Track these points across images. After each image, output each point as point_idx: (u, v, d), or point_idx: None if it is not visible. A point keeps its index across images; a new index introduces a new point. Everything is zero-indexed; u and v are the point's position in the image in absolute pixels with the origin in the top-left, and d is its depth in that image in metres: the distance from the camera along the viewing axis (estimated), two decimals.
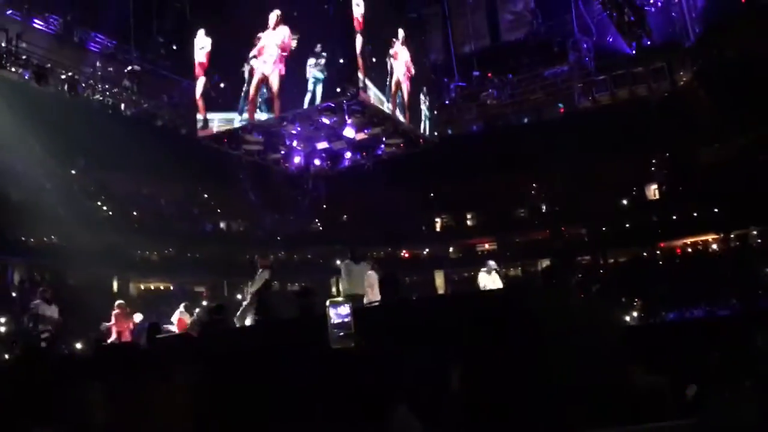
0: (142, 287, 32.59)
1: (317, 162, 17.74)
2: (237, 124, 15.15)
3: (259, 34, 14.76)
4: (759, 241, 29.57)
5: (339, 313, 6.21)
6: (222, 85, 15.28)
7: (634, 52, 20.39)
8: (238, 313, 11.67)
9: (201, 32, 15.63)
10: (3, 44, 17.16)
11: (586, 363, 6.36)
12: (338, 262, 13.95)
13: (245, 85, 14.85)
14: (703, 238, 31.41)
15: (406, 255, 38.06)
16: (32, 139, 25.14)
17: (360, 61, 13.77)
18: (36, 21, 18.70)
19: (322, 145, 16.89)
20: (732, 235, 30.07)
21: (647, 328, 18.05)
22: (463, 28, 21.05)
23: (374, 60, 14.55)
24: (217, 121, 15.30)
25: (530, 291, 9.62)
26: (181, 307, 14.14)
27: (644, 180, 34.37)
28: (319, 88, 14.03)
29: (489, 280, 12.23)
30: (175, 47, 19.98)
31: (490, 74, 20.95)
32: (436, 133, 17.56)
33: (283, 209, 35.64)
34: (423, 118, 16.88)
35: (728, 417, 4.61)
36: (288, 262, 35.60)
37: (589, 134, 28.40)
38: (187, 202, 36.24)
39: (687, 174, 31.50)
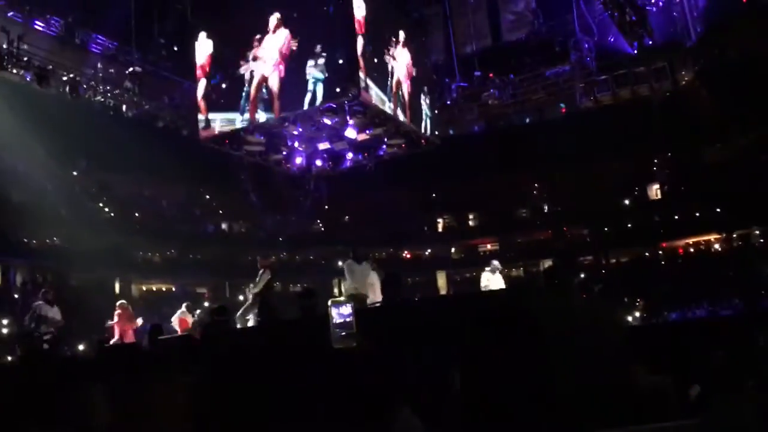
0: (144, 288, 32.59)
1: (319, 163, 17.73)
2: (239, 125, 15.15)
3: (259, 37, 14.78)
4: (761, 240, 29.54)
5: (341, 313, 6.20)
6: (224, 86, 15.30)
7: (635, 51, 20.43)
8: (239, 313, 11.71)
9: (203, 35, 15.65)
10: (4, 46, 17.21)
11: (588, 363, 6.34)
12: (340, 262, 13.92)
13: (246, 86, 14.87)
14: (706, 237, 31.38)
15: (408, 255, 38.05)
16: (34, 140, 25.12)
17: (362, 61, 13.77)
18: (37, 23, 18.78)
19: (323, 145, 16.89)
20: (734, 235, 30.04)
21: (650, 328, 18.04)
22: (464, 29, 21.06)
23: (375, 61, 14.55)
24: (219, 122, 15.32)
25: (532, 291, 9.59)
26: (183, 307, 14.15)
27: (646, 180, 34.33)
28: (320, 89, 14.03)
29: (493, 279, 12.21)
30: (176, 49, 20.03)
31: (491, 74, 20.97)
32: (437, 132, 17.56)
33: (285, 210, 35.65)
34: (424, 117, 16.88)
35: (731, 417, 4.59)
36: (290, 263, 35.57)
37: (591, 134, 28.37)
38: (188, 204, 36.24)
39: (689, 174, 31.47)
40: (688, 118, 27.83)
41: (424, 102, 17.10)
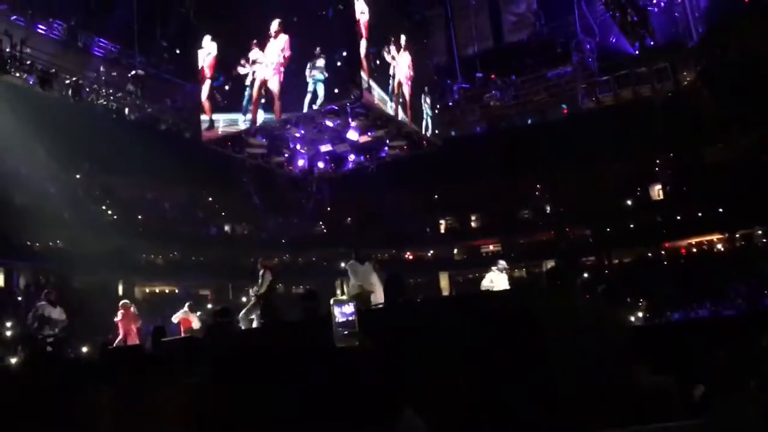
0: (147, 291, 32.66)
1: (321, 165, 17.75)
2: (241, 126, 15.21)
3: (261, 40, 14.86)
4: (764, 240, 29.51)
5: (343, 312, 6.23)
6: (226, 87, 15.37)
7: (637, 52, 20.37)
8: (241, 314, 11.75)
9: (207, 37, 15.76)
10: (8, 50, 17.22)
11: (591, 363, 6.35)
12: (343, 264, 13.95)
13: (248, 88, 14.95)
14: (708, 238, 31.36)
15: (411, 257, 38.08)
16: (37, 143, 25.25)
17: (365, 63, 13.84)
18: (40, 26, 18.81)
19: (325, 147, 16.91)
20: (737, 235, 30.02)
21: (652, 329, 18.03)
22: (466, 30, 21.03)
23: (377, 62, 14.60)
24: (223, 123, 15.40)
25: (535, 292, 9.61)
26: (185, 307, 14.17)
27: (648, 180, 34.34)
28: (321, 90, 14.09)
29: (497, 279, 12.19)
30: (178, 52, 20.06)
31: (493, 76, 20.93)
32: (437, 132, 17.57)
33: (287, 212, 35.70)
34: (425, 117, 16.92)
35: (733, 417, 4.61)
36: (292, 264, 35.63)
37: (593, 135, 28.40)
38: (191, 206, 36.32)
39: (691, 174, 31.46)
40: (690, 118, 27.83)
41: (425, 102, 17.13)
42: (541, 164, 33.13)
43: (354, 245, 15.64)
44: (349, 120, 14.97)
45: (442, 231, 38.94)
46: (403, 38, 16.09)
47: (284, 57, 14.52)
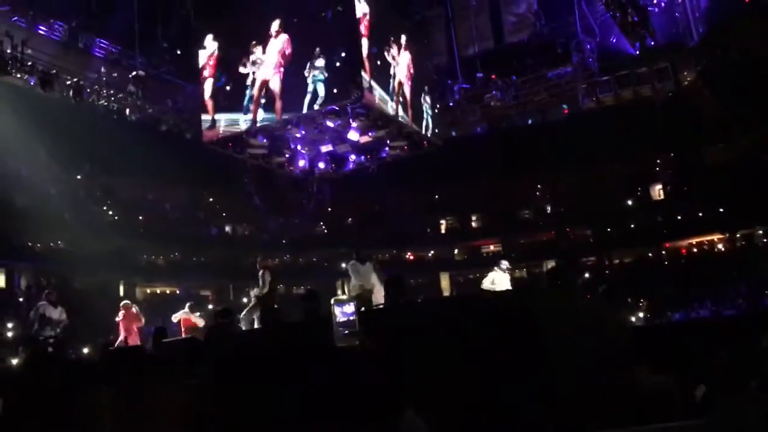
0: (148, 291, 32.67)
1: (322, 165, 17.79)
2: (242, 126, 15.25)
3: (262, 41, 14.90)
4: (765, 240, 29.50)
5: (344, 312, 6.24)
6: (227, 88, 15.41)
7: (637, 52, 20.37)
8: (242, 314, 11.76)
9: (209, 37, 15.79)
10: (8, 51, 17.24)
11: (591, 364, 6.35)
12: (344, 264, 13.98)
13: (249, 87, 14.99)
14: (709, 238, 31.34)
15: (411, 257, 38.07)
16: (38, 144, 25.28)
17: (367, 63, 13.87)
18: (41, 27, 18.83)
19: (326, 148, 16.95)
20: (737, 235, 30.00)
21: (653, 329, 18.03)
22: (466, 31, 21.04)
23: (379, 63, 14.62)
24: (224, 122, 15.44)
25: (535, 292, 9.62)
26: (186, 308, 14.18)
27: (649, 180, 34.33)
28: (321, 90, 14.13)
29: (499, 279, 12.20)
30: (179, 52, 20.08)
31: (493, 76, 20.95)
32: (436, 130, 17.60)
33: (288, 212, 35.72)
34: (425, 116, 16.95)
35: (734, 418, 4.61)
36: (293, 265, 35.64)
37: (593, 135, 28.39)
38: (192, 207, 36.35)
39: (692, 174, 31.45)
40: (691, 118, 27.82)
41: (425, 102, 17.16)
42: (542, 164, 33.14)
43: (355, 245, 15.68)
44: (350, 120, 15.01)
45: (443, 231, 38.92)
46: (403, 38, 16.12)
47: (285, 55, 14.56)
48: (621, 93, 22.65)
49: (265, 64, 14.81)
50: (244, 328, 11.25)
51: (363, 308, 8.15)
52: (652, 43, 19.92)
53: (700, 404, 6.81)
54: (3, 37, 17.33)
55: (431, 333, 6.15)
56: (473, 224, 38.48)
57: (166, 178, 32.17)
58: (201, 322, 13.89)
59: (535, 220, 36.54)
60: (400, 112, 15.53)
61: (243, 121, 15.18)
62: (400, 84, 15.69)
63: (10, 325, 22.31)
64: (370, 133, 16.07)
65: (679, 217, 31.67)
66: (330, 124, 15.19)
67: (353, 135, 15.76)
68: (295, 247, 35.84)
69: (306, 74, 14.23)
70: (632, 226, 33.11)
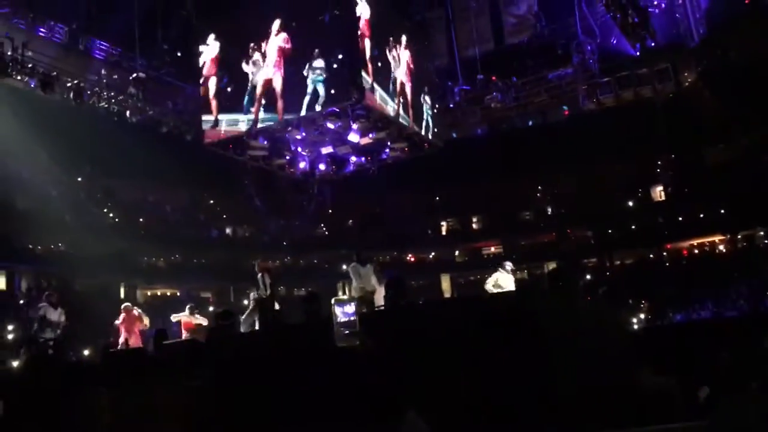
0: (149, 293, 32.65)
1: (322, 167, 17.79)
2: (242, 126, 15.26)
3: (262, 41, 14.93)
4: (766, 241, 29.46)
5: (345, 312, 6.24)
6: (229, 89, 15.43)
7: (638, 53, 20.39)
8: (243, 316, 11.75)
9: (211, 36, 15.83)
10: (9, 53, 17.25)
11: (593, 365, 6.35)
12: (344, 266, 13.97)
13: (249, 87, 15.02)
14: (710, 239, 31.29)
15: (412, 259, 38.04)
16: (38, 146, 25.27)
17: (370, 65, 13.90)
18: (41, 30, 18.85)
19: (326, 149, 16.96)
20: (738, 236, 29.97)
21: (655, 330, 18.01)
22: (466, 32, 21.07)
23: (379, 64, 14.64)
24: (225, 123, 15.46)
25: (537, 294, 9.61)
26: (186, 310, 14.17)
27: (650, 181, 34.28)
28: (322, 90, 14.14)
29: (503, 279, 12.18)
30: (179, 54, 20.11)
31: (494, 77, 20.95)
32: (436, 130, 17.61)
33: (289, 214, 35.72)
34: (425, 116, 16.97)
35: (735, 419, 4.59)
36: (294, 267, 35.63)
37: (594, 136, 28.36)
38: (192, 208, 36.34)
39: (692, 175, 31.41)
40: (691, 119, 27.80)
41: (425, 102, 17.18)
42: (543, 166, 33.09)
43: (355, 247, 15.67)
44: (350, 122, 15.02)
45: (444, 233, 38.86)
46: (404, 39, 16.14)
47: (285, 51, 14.58)
48: (621, 94, 22.68)
49: (266, 64, 14.83)
50: (244, 331, 11.22)
51: (365, 310, 8.16)
52: (653, 44, 19.92)
53: (704, 405, 6.80)
54: (3, 39, 17.34)
55: (432, 334, 6.15)
56: (474, 226, 38.42)
57: (167, 180, 32.17)
58: (204, 321, 13.88)
59: (535, 222, 36.48)
60: (401, 113, 15.55)
61: (243, 121, 15.19)
62: (402, 85, 15.72)
63: (10, 327, 22.28)
64: (370, 135, 16.09)
65: (680, 218, 31.62)
66: (330, 125, 15.21)
67: (354, 137, 15.77)
68: (295, 249, 35.82)
69: (306, 74, 14.26)
70: (633, 227, 33.06)
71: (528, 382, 5.67)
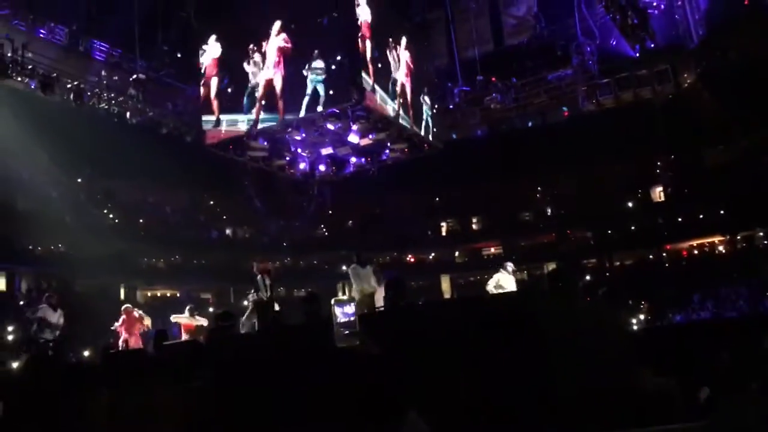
0: (149, 294, 32.69)
1: (322, 168, 17.81)
2: (242, 126, 15.28)
3: (263, 42, 14.96)
4: (765, 242, 29.49)
5: (345, 312, 6.24)
6: (229, 90, 15.45)
7: (637, 54, 20.37)
8: (243, 317, 11.76)
9: (212, 37, 15.84)
10: (9, 54, 17.26)
11: (593, 366, 6.35)
12: (344, 267, 13.99)
13: (249, 87, 15.04)
14: (709, 239, 31.33)
15: (412, 260, 38.08)
16: (38, 148, 25.30)
17: (371, 66, 13.92)
18: (41, 31, 18.85)
19: (326, 150, 16.97)
20: (738, 237, 29.99)
21: (654, 331, 18.01)
22: (466, 33, 21.07)
23: (379, 65, 14.66)
24: (226, 123, 15.47)
25: (536, 295, 9.61)
26: (186, 312, 14.18)
27: (649, 182, 34.33)
28: (322, 90, 14.17)
29: (505, 279, 12.20)
30: (179, 55, 20.12)
31: (493, 78, 20.96)
32: (435, 130, 17.63)
33: (289, 215, 35.74)
34: (424, 117, 16.99)
35: (734, 420, 4.60)
36: (294, 268, 35.66)
37: (594, 137, 28.39)
38: (192, 210, 36.37)
39: (692, 176, 31.46)
40: (691, 120, 27.84)
41: (425, 102, 17.20)
42: (542, 167, 33.13)
43: (355, 248, 15.68)
44: (350, 123, 15.03)
45: (444, 234, 38.91)
46: (404, 40, 16.16)
47: (285, 50, 14.60)
48: (621, 95, 22.67)
49: (267, 65, 14.85)
50: (244, 332, 11.23)
51: (365, 311, 8.16)
52: (652, 45, 19.91)
53: (704, 406, 6.80)
54: (3, 41, 17.33)
55: (432, 335, 6.15)
56: (474, 226, 38.46)
57: (167, 181, 32.21)
58: (204, 322, 13.89)
59: (535, 223, 36.53)
60: (401, 114, 15.56)
61: (242, 122, 15.21)
62: (402, 86, 15.74)
63: (10, 329, 22.31)
64: (370, 136, 16.10)
65: (679, 219, 31.66)
66: (330, 126, 15.22)
67: (353, 138, 15.78)
68: (295, 250, 35.86)
69: (309, 77, 14.28)
70: (633, 228, 33.11)
71: (528, 383, 5.68)
